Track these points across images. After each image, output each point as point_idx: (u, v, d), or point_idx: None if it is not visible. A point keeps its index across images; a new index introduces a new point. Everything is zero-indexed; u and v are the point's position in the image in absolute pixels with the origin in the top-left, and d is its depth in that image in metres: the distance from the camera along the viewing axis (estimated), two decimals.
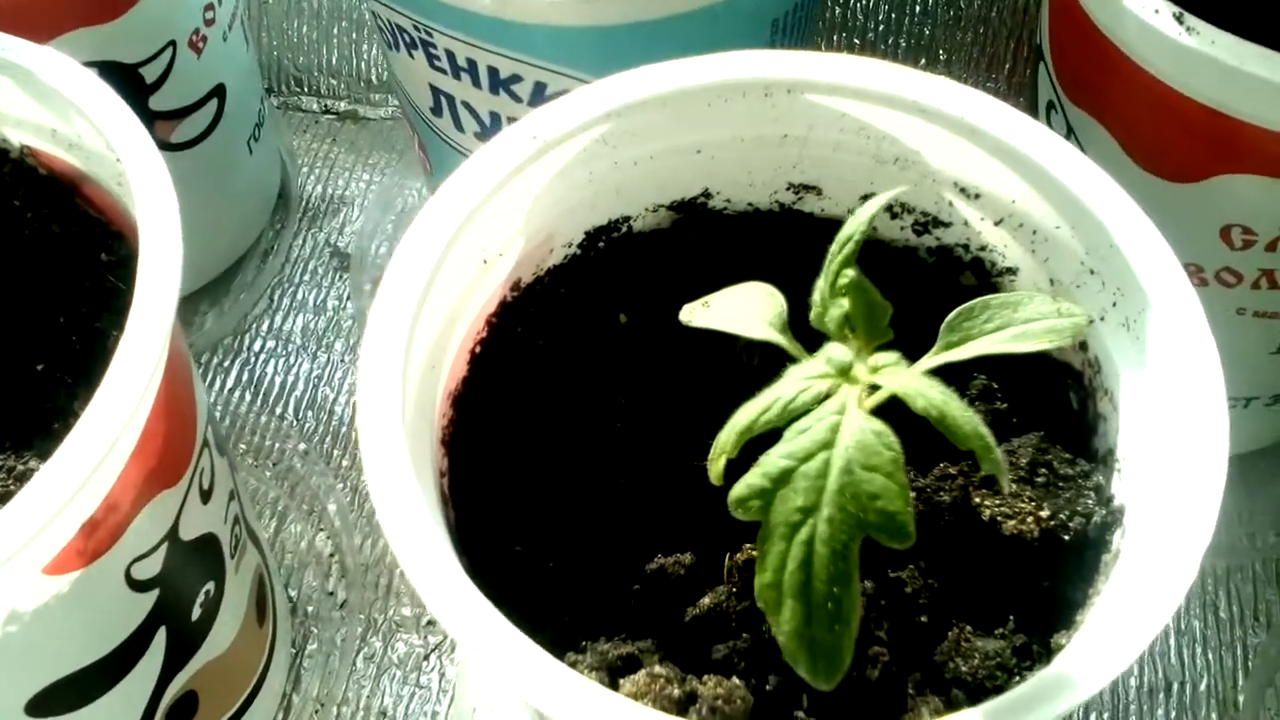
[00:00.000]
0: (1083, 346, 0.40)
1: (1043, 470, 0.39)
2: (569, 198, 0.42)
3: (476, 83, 0.50)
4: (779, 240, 0.45)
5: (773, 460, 0.29)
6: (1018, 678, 0.36)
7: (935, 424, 0.30)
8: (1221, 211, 0.48)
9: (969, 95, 0.40)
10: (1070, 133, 0.52)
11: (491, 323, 0.42)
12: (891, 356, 0.32)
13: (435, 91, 0.52)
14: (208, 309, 0.67)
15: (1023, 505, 0.38)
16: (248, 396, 0.65)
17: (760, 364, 0.39)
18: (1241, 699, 0.56)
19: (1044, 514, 0.38)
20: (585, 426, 0.41)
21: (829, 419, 0.29)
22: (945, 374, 0.38)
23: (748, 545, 0.38)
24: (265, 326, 0.67)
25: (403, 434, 0.35)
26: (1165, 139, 0.48)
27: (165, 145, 0.59)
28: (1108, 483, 0.39)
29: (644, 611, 0.37)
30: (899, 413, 0.38)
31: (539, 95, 0.50)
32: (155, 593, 0.42)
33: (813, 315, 0.33)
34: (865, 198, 0.44)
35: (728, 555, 0.38)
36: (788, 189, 0.44)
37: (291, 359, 0.66)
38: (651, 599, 0.38)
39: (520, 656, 0.31)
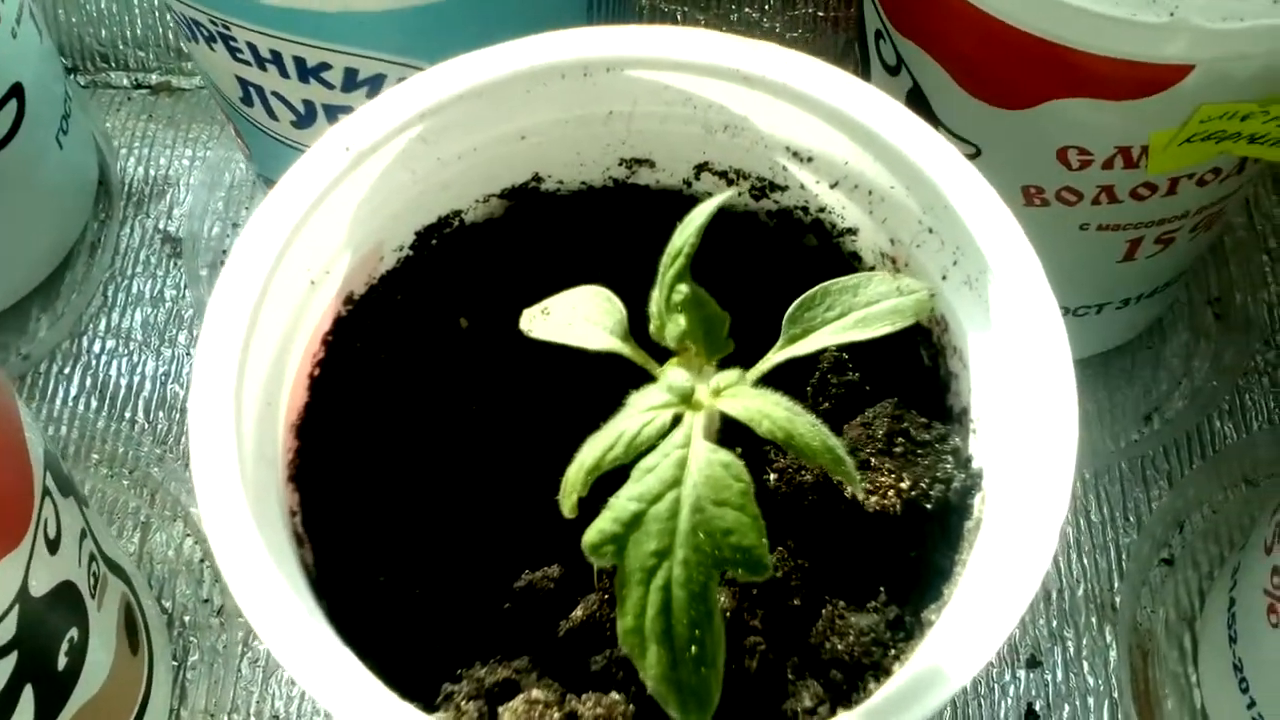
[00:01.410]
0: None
1: (900, 439, 0.38)
2: (393, 202, 0.40)
3: (284, 73, 0.47)
4: (616, 216, 0.43)
5: (622, 503, 0.28)
6: (893, 650, 0.36)
7: (784, 445, 0.29)
8: (1056, 135, 0.48)
9: (792, 60, 0.39)
10: (900, 62, 0.51)
11: (328, 341, 0.40)
12: (732, 375, 0.31)
13: (243, 83, 0.49)
14: (40, 313, 0.64)
15: (883, 479, 0.38)
16: (94, 402, 0.62)
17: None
18: (1119, 600, 0.57)
19: (904, 485, 0.38)
20: (436, 442, 0.39)
21: (675, 454, 0.28)
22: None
23: None
24: (103, 325, 0.64)
25: (240, 485, 0.33)
26: (994, 68, 0.47)
27: None
28: (965, 444, 0.39)
29: (517, 630, 0.37)
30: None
31: (351, 81, 0.47)
32: (14, 655, 0.40)
33: (652, 329, 0.32)
34: (699, 166, 0.43)
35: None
36: (620, 164, 0.43)
37: (134, 357, 0.63)
38: (523, 616, 0.37)
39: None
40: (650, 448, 0.29)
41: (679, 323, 0.31)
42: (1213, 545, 0.58)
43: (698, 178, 0.43)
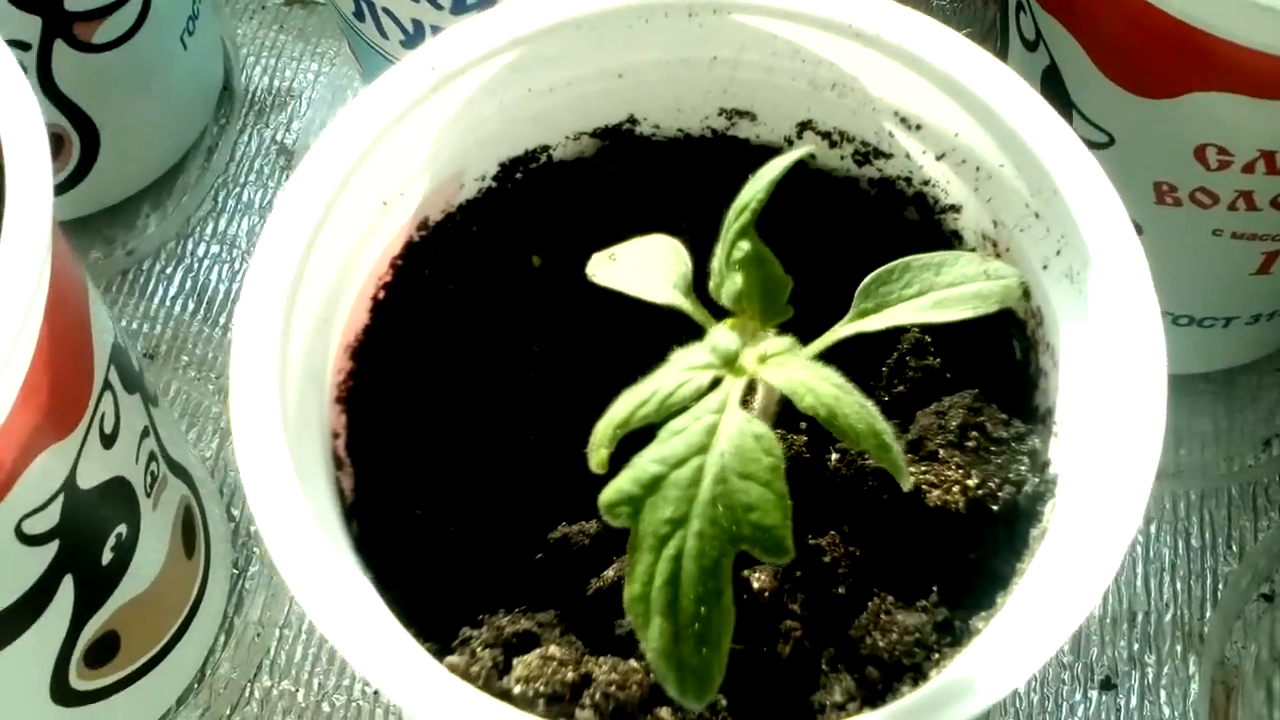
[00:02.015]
0: (1025, 294, 0.37)
1: (974, 433, 0.36)
2: (478, 129, 0.39)
3: None
4: (712, 168, 0.42)
5: (644, 464, 0.26)
6: (936, 654, 0.34)
7: (824, 424, 0.27)
8: (1195, 130, 0.45)
9: (910, 19, 0.37)
10: (1039, 37, 0.48)
11: (396, 266, 0.39)
12: (784, 342, 0.29)
13: None
14: (150, 211, 0.64)
15: (949, 473, 0.35)
16: (190, 305, 0.62)
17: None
18: (1208, 630, 0.54)
19: (971, 483, 0.35)
20: (495, 379, 0.38)
21: (706, 419, 0.27)
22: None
23: None
24: (209, 230, 0.64)
25: (277, 399, 0.32)
26: (1135, 52, 0.44)
27: (87, 46, 0.55)
28: (1044, 447, 0.36)
29: (546, 583, 0.35)
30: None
31: (460, 4, 0.46)
32: (54, 544, 0.40)
33: (711, 286, 0.30)
34: (803, 125, 0.41)
35: None
36: (719, 114, 0.41)
37: (236, 264, 0.63)
38: (555, 569, 0.36)
39: (393, 659, 0.29)
40: (683, 409, 0.27)
41: (735, 281, 0.29)
42: None
43: (800, 136, 0.41)
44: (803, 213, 0.41)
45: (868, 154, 0.40)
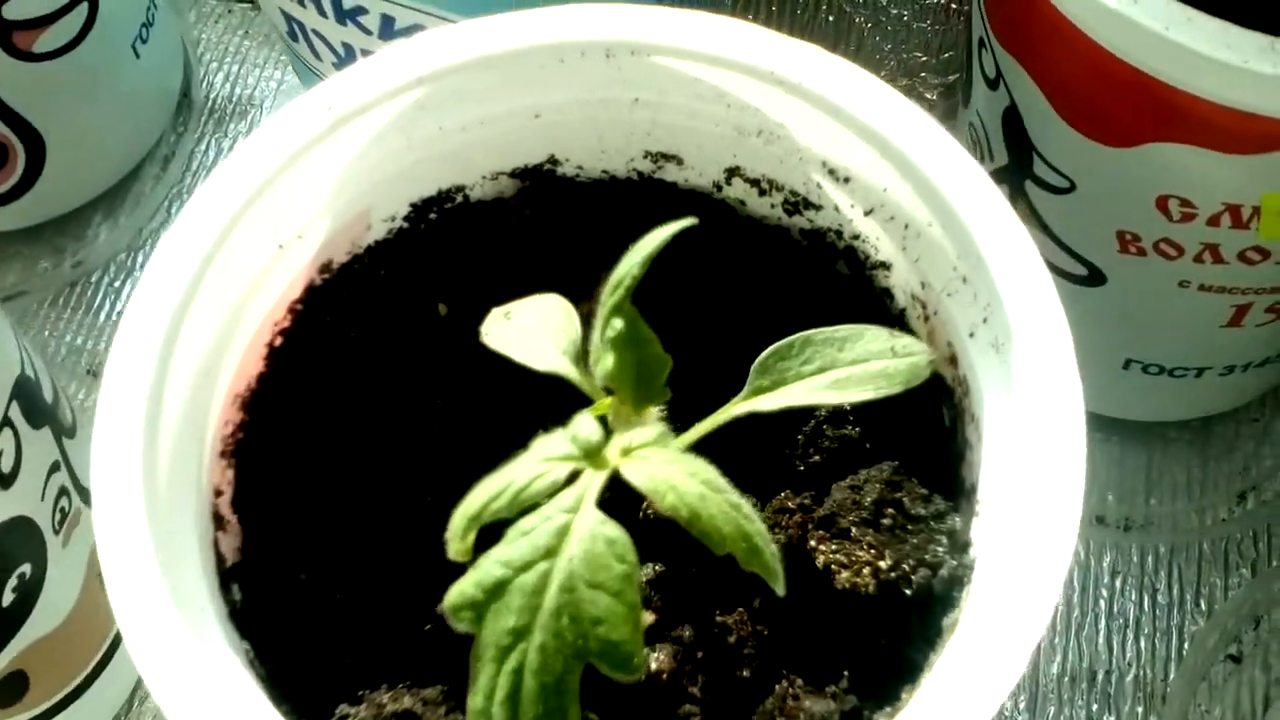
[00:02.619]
0: (953, 361, 0.35)
1: (890, 510, 0.34)
2: (385, 167, 0.37)
3: (322, 12, 0.44)
4: (637, 212, 0.39)
5: (489, 566, 0.25)
6: None
7: (686, 527, 0.25)
8: (1156, 181, 0.42)
9: (835, 68, 0.35)
10: (999, 76, 0.46)
11: (295, 311, 0.37)
12: (653, 431, 0.27)
13: (288, 17, 0.47)
14: (101, 221, 0.63)
15: (860, 554, 0.33)
16: None
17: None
18: (1170, 691, 0.52)
19: (884, 564, 0.33)
20: (394, 434, 0.36)
21: (557, 519, 0.25)
22: None
23: None
24: None
25: (140, 474, 0.31)
26: (1094, 99, 0.42)
27: (29, 55, 0.54)
28: (965, 527, 0.34)
29: (435, 657, 0.34)
30: (728, 438, 0.34)
31: (389, 29, 0.44)
32: None
33: (590, 364, 0.29)
34: (730, 170, 0.39)
35: None
36: (645, 157, 0.39)
37: None
38: (445, 642, 0.34)
39: None
40: (537, 505, 0.25)
41: (607, 362, 0.27)
42: None
43: (729, 182, 0.39)
44: (732, 260, 0.39)
45: (797, 204, 0.38)
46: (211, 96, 0.66)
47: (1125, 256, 0.46)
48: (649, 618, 0.34)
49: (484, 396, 0.37)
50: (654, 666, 0.33)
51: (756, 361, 0.30)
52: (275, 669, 0.34)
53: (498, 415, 0.36)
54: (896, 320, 0.37)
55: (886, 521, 0.34)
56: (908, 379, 0.30)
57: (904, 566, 0.33)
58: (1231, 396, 0.55)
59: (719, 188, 0.39)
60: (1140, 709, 0.52)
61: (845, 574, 0.33)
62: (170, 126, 0.65)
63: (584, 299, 0.35)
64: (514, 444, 0.33)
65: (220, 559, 0.34)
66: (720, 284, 0.39)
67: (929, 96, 0.63)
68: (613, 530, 0.25)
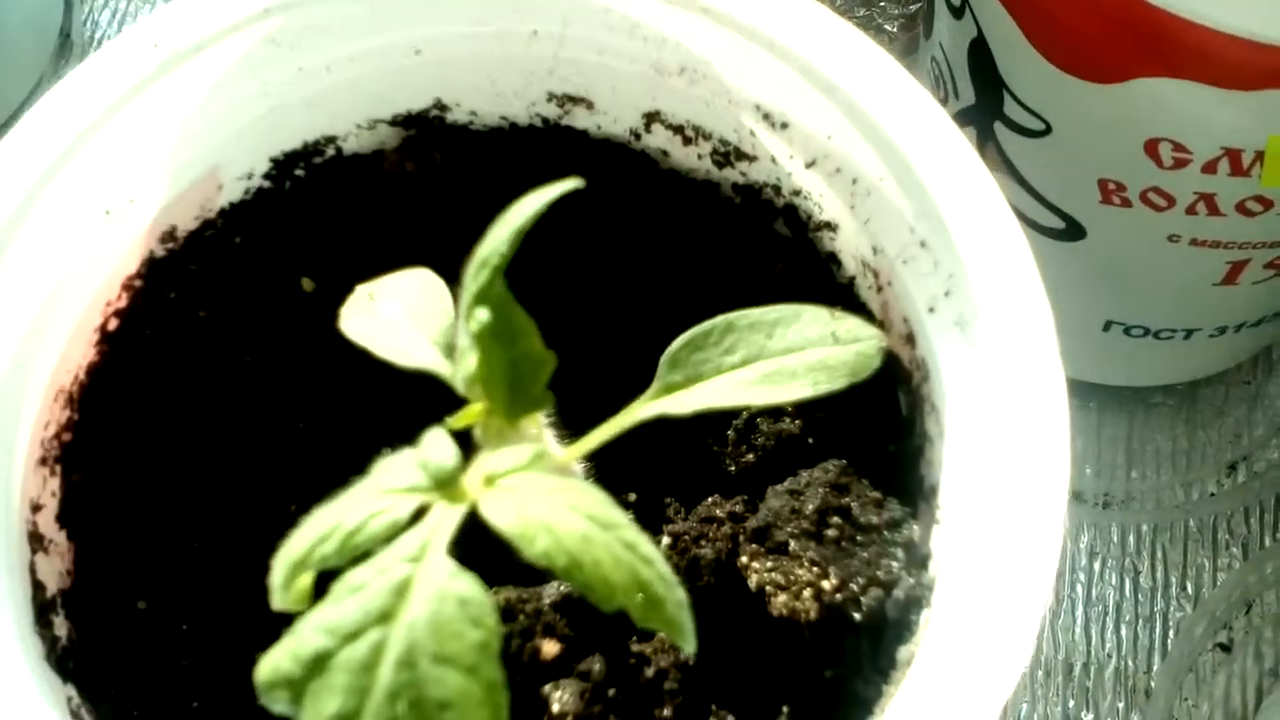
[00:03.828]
0: (910, 340, 0.30)
1: (836, 519, 0.29)
2: (234, 116, 0.31)
3: None
4: (543, 165, 0.34)
5: (308, 633, 0.19)
6: None
7: (564, 577, 0.20)
8: (1147, 122, 0.37)
9: None
10: (965, 2, 0.40)
11: (133, 287, 0.31)
12: (522, 454, 0.21)
13: None
14: None
15: (800, 573, 0.28)
16: None
17: None
18: (1154, 684, 0.47)
19: (828, 585, 0.28)
20: (254, 430, 0.31)
21: (397, 571, 0.19)
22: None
23: None
24: None
25: None
26: (1074, 27, 0.36)
27: None
28: (925, 536, 0.29)
29: None
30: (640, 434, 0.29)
31: None
32: None
33: (452, 368, 0.23)
34: (649, 116, 0.33)
35: None
36: (549, 100, 0.33)
37: None
38: None
39: None
40: (372, 551, 0.20)
41: (470, 363, 0.21)
42: None
43: (648, 129, 0.33)
44: (651, 223, 0.33)
45: (728, 154, 0.32)
46: (96, 36, 0.60)
47: (1108, 208, 0.40)
48: (552, 649, 0.29)
49: (357, 386, 0.31)
50: (556, 709, 0.28)
51: (667, 352, 0.24)
52: (106, 717, 0.28)
53: (374, 408, 0.31)
54: (844, 291, 0.32)
55: (831, 533, 0.29)
56: (853, 371, 0.24)
57: (852, 586, 0.28)
58: (1221, 359, 0.50)
59: (637, 136, 0.33)
60: (1121, 704, 0.47)
61: (783, 597, 0.28)
62: (51, 68, 0.58)
63: None
64: (394, 443, 0.28)
65: (39, 587, 0.28)
66: (637, 252, 0.33)
67: (888, 29, 0.58)
68: (467, 587, 0.19)
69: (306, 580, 0.21)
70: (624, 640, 0.29)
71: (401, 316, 0.25)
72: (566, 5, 0.30)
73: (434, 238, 0.32)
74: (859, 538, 0.29)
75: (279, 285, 0.32)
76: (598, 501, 0.20)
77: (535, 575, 0.29)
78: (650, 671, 0.28)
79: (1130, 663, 0.48)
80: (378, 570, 0.19)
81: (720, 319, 0.25)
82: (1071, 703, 0.47)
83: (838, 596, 0.28)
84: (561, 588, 0.29)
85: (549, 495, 0.20)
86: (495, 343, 0.21)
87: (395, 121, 0.33)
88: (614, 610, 0.20)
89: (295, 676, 0.19)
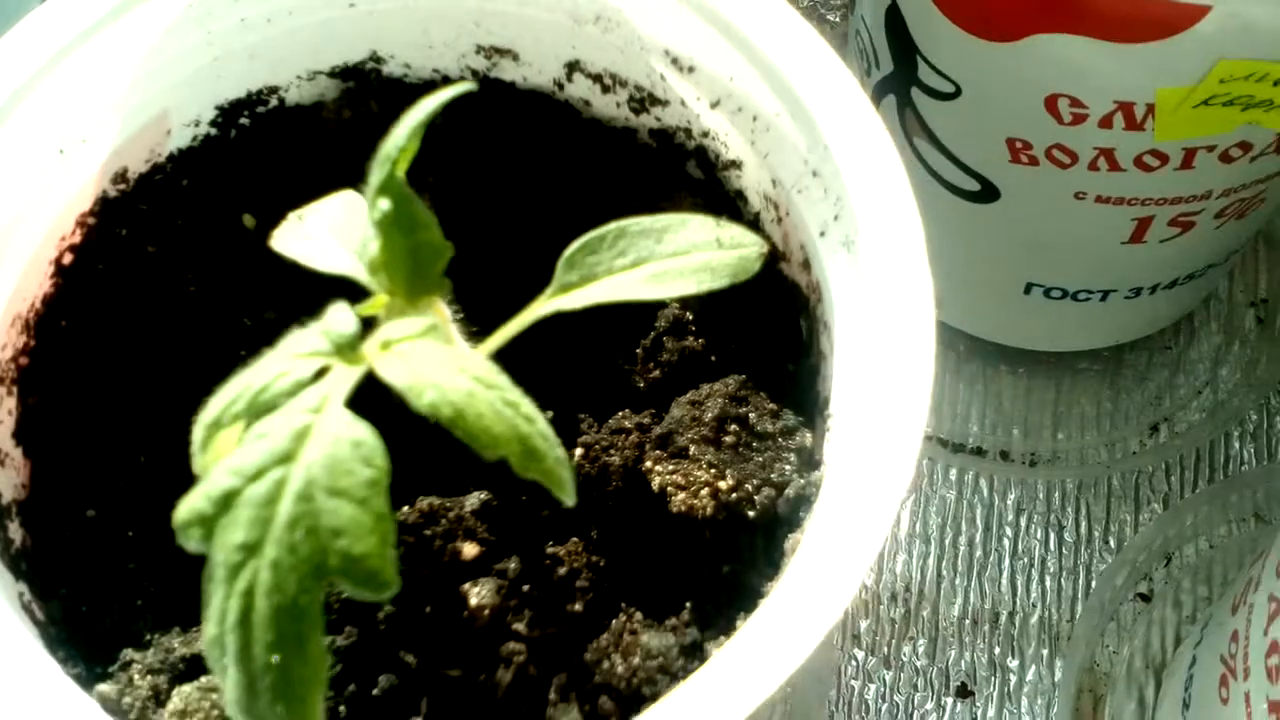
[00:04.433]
0: (807, 266, 0.32)
1: (734, 427, 0.31)
2: (182, 64, 0.33)
3: None
4: (473, 115, 0.36)
5: (218, 476, 0.21)
6: (680, 681, 0.29)
7: (450, 429, 0.22)
8: (1045, 78, 0.39)
9: None
10: None
11: (86, 224, 0.34)
12: (419, 323, 0.24)
13: None
14: None
15: (699, 474, 0.30)
16: None
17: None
18: (1076, 632, 0.49)
19: (724, 485, 0.30)
20: (199, 357, 0.33)
21: (298, 420, 0.22)
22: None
23: None
24: None
25: None
26: None
27: None
28: (818, 443, 0.31)
29: None
30: (558, 355, 0.31)
31: None
32: None
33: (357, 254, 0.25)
34: (570, 65, 0.35)
35: None
36: (477, 52, 0.36)
37: None
38: None
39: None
40: (278, 406, 0.22)
41: (373, 248, 0.23)
42: (1202, 586, 0.50)
43: (570, 79, 0.36)
44: (575, 169, 0.36)
45: (643, 100, 0.35)
46: None
47: (1017, 167, 0.43)
48: (472, 550, 0.31)
49: (296, 315, 0.33)
50: (474, 603, 0.30)
51: (564, 256, 0.27)
52: (55, 612, 0.30)
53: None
54: (751, 225, 0.34)
55: (729, 439, 0.31)
56: (734, 272, 0.27)
57: (747, 487, 0.30)
58: (1142, 323, 0.52)
59: (560, 86, 0.36)
60: (1045, 651, 0.49)
61: (682, 495, 0.30)
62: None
63: None
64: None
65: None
66: (561, 196, 0.35)
67: (830, 18, 0.60)
68: (360, 432, 0.21)
69: (225, 441, 0.23)
70: (540, 544, 0.31)
71: (325, 232, 0.27)
72: None
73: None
74: (755, 444, 0.31)
75: (223, 223, 0.34)
76: (485, 366, 0.23)
77: (459, 486, 0.32)
78: (563, 570, 0.31)
79: (1054, 612, 0.50)
80: (281, 420, 0.22)
81: (613, 225, 0.27)
82: (998, 649, 0.49)
83: (733, 496, 0.30)
84: (481, 496, 0.31)
85: (439, 358, 0.23)
86: (395, 230, 0.23)
87: (334, 73, 0.36)
88: (495, 459, 0.22)
89: (207, 514, 0.21)
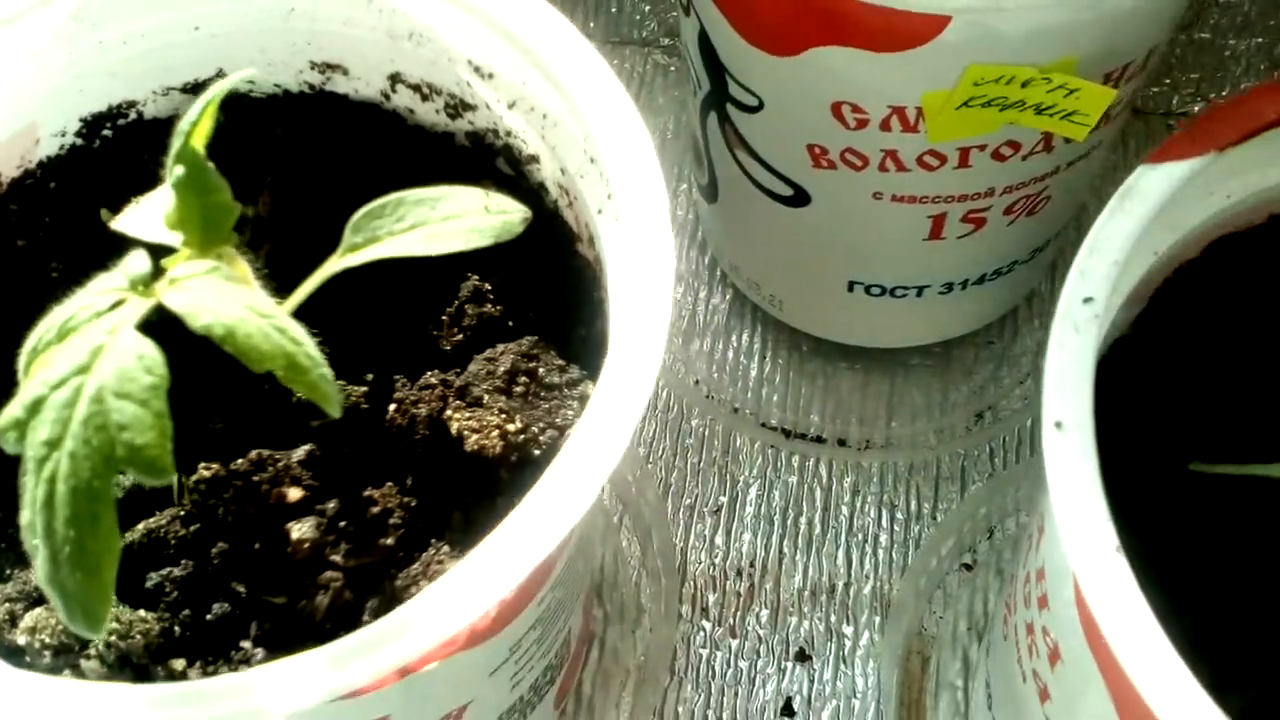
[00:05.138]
0: (591, 242, 0.37)
1: (524, 379, 0.36)
2: (48, 81, 0.38)
3: None
4: (312, 125, 0.41)
5: (31, 386, 0.26)
6: None
7: (221, 346, 0.27)
8: (826, 88, 0.44)
9: None
10: (690, 2, 0.48)
11: None
12: (202, 265, 0.28)
13: None
14: None
15: (491, 418, 0.35)
16: None
17: None
18: (897, 599, 0.53)
19: (513, 427, 0.35)
20: None
21: (96, 339, 0.26)
22: (428, 276, 0.35)
23: (203, 464, 0.35)
24: None
25: None
26: (757, 10, 0.44)
27: None
28: None
29: None
30: (374, 325, 0.35)
31: None
32: None
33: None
34: (393, 77, 0.40)
35: (178, 475, 0.35)
36: (312, 68, 0.41)
37: None
38: None
39: None
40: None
41: (169, 207, 0.28)
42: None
43: (394, 89, 0.40)
44: (403, 170, 0.40)
45: (457, 106, 0.40)
46: None
47: (820, 171, 0.48)
48: (296, 494, 0.35)
49: None
50: (295, 537, 0.34)
51: (350, 222, 0.31)
52: None
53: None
54: (552, 213, 0.39)
55: (519, 389, 0.35)
56: (499, 233, 0.31)
57: (533, 430, 0.35)
58: (964, 319, 0.57)
59: (387, 96, 0.41)
60: (878, 618, 0.53)
61: (475, 437, 0.35)
62: None
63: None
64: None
65: None
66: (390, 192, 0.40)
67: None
68: (145, 347, 0.26)
69: (41, 364, 0.27)
70: (359, 488, 0.35)
71: (152, 211, 0.32)
72: None
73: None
74: (543, 393, 0.36)
75: (87, 220, 0.39)
76: (260, 299, 0.27)
77: (288, 440, 0.36)
78: (377, 510, 0.35)
79: (885, 582, 0.54)
80: (82, 340, 0.26)
81: (393, 196, 0.32)
82: (834, 618, 0.53)
83: (520, 437, 0.35)
84: (308, 448, 0.36)
85: (219, 291, 0.27)
86: (189, 192, 0.28)
87: (185, 89, 0.40)
88: (263, 371, 0.27)
89: (20, 418, 0.25)
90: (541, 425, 0.35)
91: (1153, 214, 0.33)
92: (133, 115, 0.40)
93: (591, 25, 0.66)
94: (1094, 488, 0.30)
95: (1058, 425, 0.31)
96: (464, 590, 0.28)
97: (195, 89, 0.40)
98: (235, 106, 0.41)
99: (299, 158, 0.40)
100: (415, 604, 0.29)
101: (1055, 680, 0.37)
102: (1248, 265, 0.38)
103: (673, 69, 0.64)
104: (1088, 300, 0.33)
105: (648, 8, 0.67)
